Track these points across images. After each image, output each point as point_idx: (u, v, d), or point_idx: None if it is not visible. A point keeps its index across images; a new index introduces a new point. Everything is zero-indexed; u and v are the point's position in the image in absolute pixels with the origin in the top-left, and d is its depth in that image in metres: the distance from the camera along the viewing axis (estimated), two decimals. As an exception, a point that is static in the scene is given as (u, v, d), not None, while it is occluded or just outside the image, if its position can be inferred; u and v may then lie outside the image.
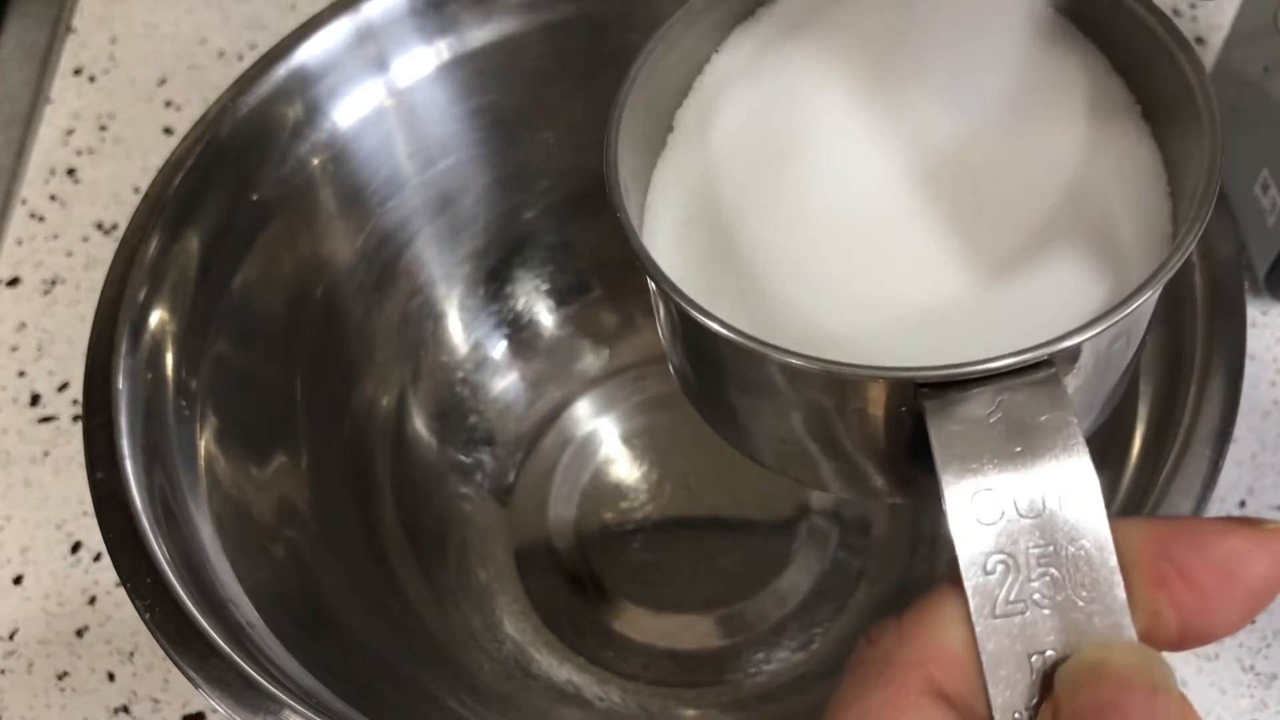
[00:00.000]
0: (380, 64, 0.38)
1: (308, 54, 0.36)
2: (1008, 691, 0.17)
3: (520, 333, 0.44)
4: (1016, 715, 0.17)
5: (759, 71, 0.24)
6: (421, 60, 0.38)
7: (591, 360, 0.44)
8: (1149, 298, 0.19)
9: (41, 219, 0.50)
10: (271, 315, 0.37)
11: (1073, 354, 0.19)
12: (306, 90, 0.37)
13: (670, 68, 0.25)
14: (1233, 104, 0.44)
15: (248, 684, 0.27)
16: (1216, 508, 0.39)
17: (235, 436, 0.35)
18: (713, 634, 0.40)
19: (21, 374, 0.46)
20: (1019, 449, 0.18)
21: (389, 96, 0.38)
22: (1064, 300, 0.20)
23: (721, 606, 0.40)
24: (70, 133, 0.52)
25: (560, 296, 0.44)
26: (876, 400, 0.20)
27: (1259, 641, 0.37)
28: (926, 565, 0.38)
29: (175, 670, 0.28)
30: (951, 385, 0.19)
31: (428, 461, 0.42)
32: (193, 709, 0.38)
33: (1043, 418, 0.18)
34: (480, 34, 0.39)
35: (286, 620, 0.32)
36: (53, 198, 0.50)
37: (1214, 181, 0.20)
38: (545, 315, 0.44)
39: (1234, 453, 0.40)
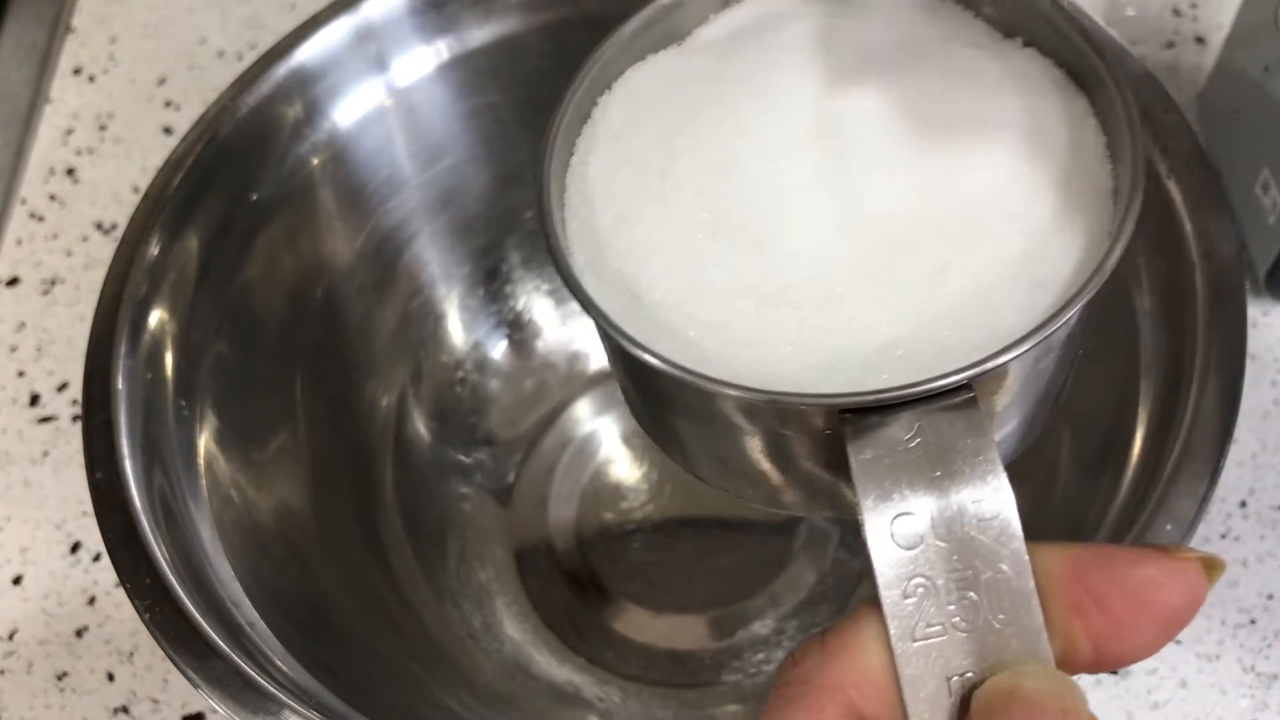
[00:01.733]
0: (380, 64, 0.38)
1: (307, 54, 0.36)
2: (927, 714, 0.17)
3: (520, 333, 0.44)
4: None
5: (669, 93, 0.24)
6: (421, 60, 0.38)
7: (591, 360, 0.44)
8: (1068, 319, 0.19)
9: (41, 219, 0.50)
10: (271, 315, 0.37)
11: (993, 377, 0.19)
12: (306, 90, 0.37)
13: (595, 90, 0.25)
14: (1233, 104, 0.44)
15: (247, 684, 0.27)
16: (1217, 508, 0.39)
17: (235, 436, 0.35)
18: (713, 634, 0.40)
19: (21, 374, 0.46)
20: (938, 473, 0.18)
21: (389, 96, 0.38)
22: (992, 322, 0.20)
23: (722, 607, 0.40)
24: (70, 132, 0.52)
25: (560, 296, 0.44)
26: (801, 426, 0.20)
27: (1260, 642, 0.37)
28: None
29: (175, 670, 0.28)
30: (871, 410, 0.19)
31: (428, 461, 0.42)
32: (192, 709, 0.38)
33: (961, 442, 0.18)
34: (480, 34, 0.39)
35: (286, 620, 0.32)
36: (52, 197, 0.50)
37: (1133, 206, 0.20)
38: (545, 315, 0.44)
39: (1234, 453, 0.40)
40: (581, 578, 0.41)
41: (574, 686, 0.39)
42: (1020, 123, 0.22)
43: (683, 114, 0.24)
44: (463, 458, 0.42)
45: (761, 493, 0.23)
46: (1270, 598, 0.38)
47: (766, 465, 0.22)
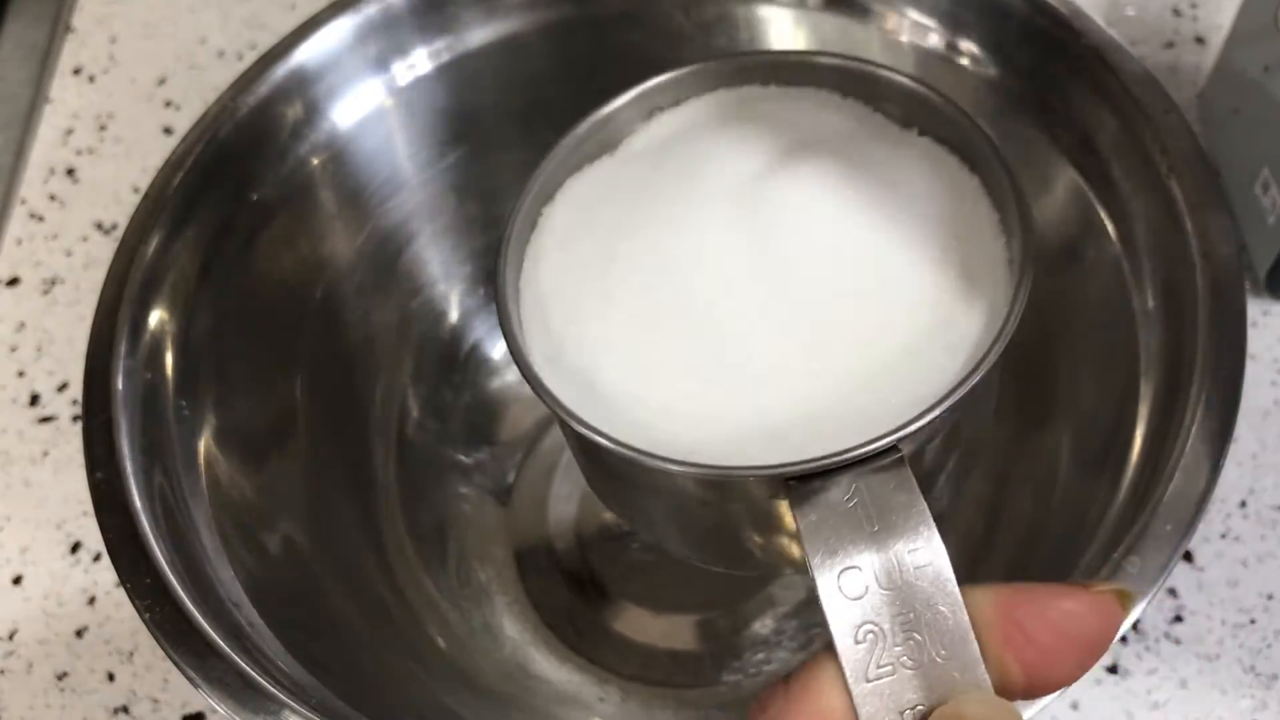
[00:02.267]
0: (380, 64, 0.38)
1: (307, 54, 0.36)
2: None
3: (520, 333, 0.44)
4: None
5: (606, 200, 0.27)
6: (422, 60, 0.38)
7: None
8: (977, 381, 0.22)
9: (41, 219, 0.50)
10: (272, 315, 0.37)
11: (917, 437, 0.21)
12: (306, 90, 0.37)
13: (540, 201, 0.27)
14: (1233, 104, 0.44)
15: (247, 684, 0.27)
16: (1217, 508, 0.39)
17: (235, 436, 0.35)
18: (712, 634, 0.40)
19: (21, 374, 0.46)
20: (876, 528, 0.20)
21: (389, 96, 0.38)
22: (910, 387, 0.22)
23: (721, 607, 0.40)
24: (70, 132, 0.52)
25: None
26: (750, 496, 0.23)
27: (1259, 642, 0.37)
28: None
29: (175, 670, 0.28)
30: (812, 476, 0.21)
31: (428, 461, 0.42)
32: (192, 709, 0.38)
33: (894, 499, 0.20)
34: (480, 34, 0.39)
35: (286, 620, 0.32)
36: (52, 197, 0.50)
37: (1025, 275, 0.23)
38: (545, 315, 0.44)
39: (1234, 453, 0.40)
40: (581, 578, 0.41)
41: (574, 686, 0.39)
42: (923, 205, 0.25)
43: (620, 219, 0.26)
44: (463, 458, 0.42)
45: (721, 558, 0.26)
46: (1270, 598, 0.38)
47: (723, 533, 0.25)
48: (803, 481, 0.21)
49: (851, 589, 0.20)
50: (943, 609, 0.20)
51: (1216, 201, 0.31)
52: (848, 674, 0.20)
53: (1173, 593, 0.38)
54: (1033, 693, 0.20)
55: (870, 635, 0.20)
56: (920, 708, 0.19)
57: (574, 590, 0.41)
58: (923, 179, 0.26)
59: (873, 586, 0.20)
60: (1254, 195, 0.42)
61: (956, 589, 0.20)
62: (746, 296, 0.24)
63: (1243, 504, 0.39)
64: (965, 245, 0.24)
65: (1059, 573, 0.29)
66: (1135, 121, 0.33)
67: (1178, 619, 0.38)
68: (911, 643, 0.20)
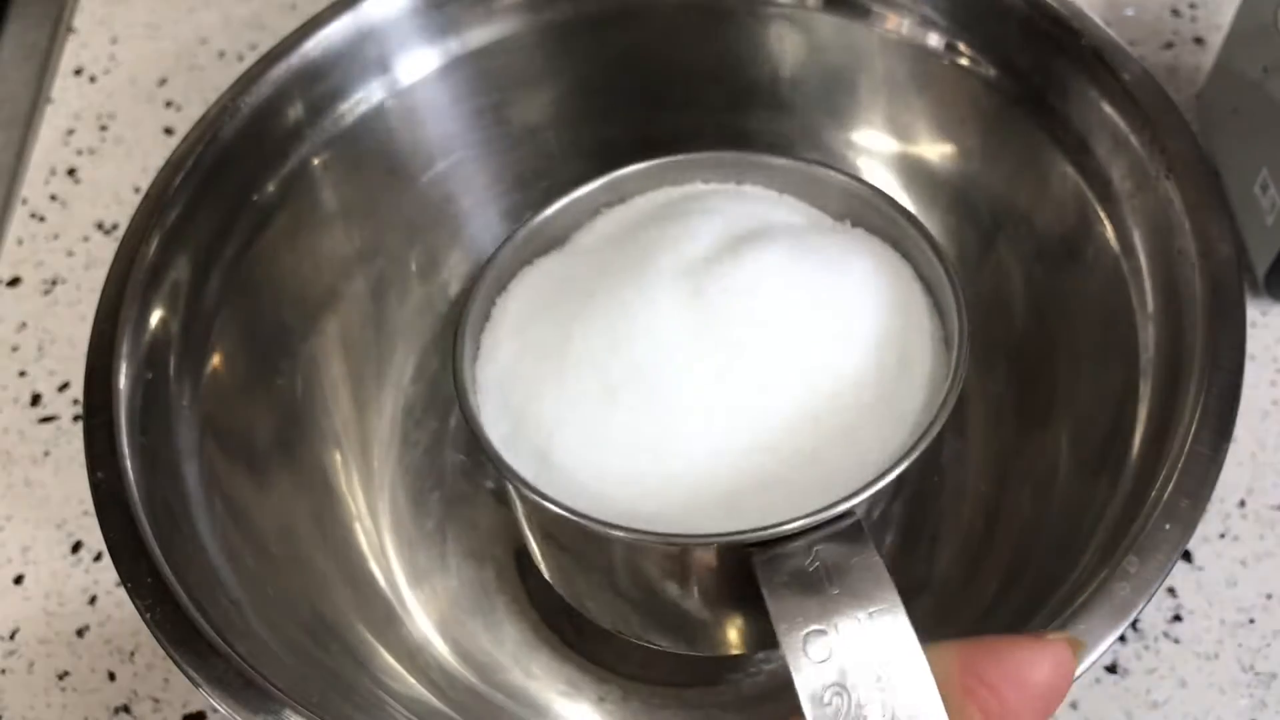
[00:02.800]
0: (381, 64, 0.38)
1: (308, 54, 0.36)
2: None
3: (520, 333, 0.44)
4: None
5: (558, 289, 0.28)
6: (422, 60, 0.39)
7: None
8: (922, 450, 0.23)
9: (42, 219, 0.50)
10: (272, 315, 0.37)
11: (872, 501, 0.22)
12: (307, 90, 0.37)
13: (494, 290, 0.29)
14: (1232, 104, 0.44)
15: (248, 683, 0.27)
16: (1216, 507, 0.39)
17: (236, 436, 0.35)
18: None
19: (22, 374, 0.46)
20: (836, 591, 0.21)
21: (389, 97, 0.38)
22: (861, 456, 0.23)
23: (721, 606, 0.40)
24: (71, 133, 0.52)
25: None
26: (711, 565, 0.23)
27: (1259, 641, 0.37)
28: (925, 566, 0.38)
29: (176, 670, 0.28)
30: (774, 543, 0.22)
31: (428, 461, 0.42)
32: (193, 708, 0.39)
33: (852, 560, 0.21)
34: (481, 34, 0.39)
35: (287, 620, 0.32)
36: (53, 198, 0.50)
37: (962, 350, 0.24)
38: (545, 315, 0.44)
39: (1234, 453, 0.40)
40: (581, 577, 0.41)
41: (574, 686, 0.39)
42: (862, 288, 0.26)
43: (573, 304, 0.27)
44: (463, 457, 0.42)
45: (683, 638, 0.27)
46: (1269, 597, 0.38)
47: (683, 611, 0.25)
48: (764, 548, 0.22)
49: (817, 653, 0.20)
50: (905, 666, 0.20)
51: (1215, 202, 0.31)
52: None
53: (1172, 592, 0.38)
54: None
55: (837, 698, 0.20)
56: None
57: (574, 590, 0.41)
58: (860, 264, 0.27)
59: (837, 648, 0.20)
60: (1253, 195, 0.42)
61: (918, 646, 0.20)
62: (698, 374, 0.25)
63: (1242, 504, 0.39)
64: (903, 325, 0.26)
65: (1058, 573, 0.29)
66: (1134, 122, 0.33)
67: (1177, 618, 0.38)
68: (877, 702, 0.20)
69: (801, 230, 0.28)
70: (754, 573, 0.22)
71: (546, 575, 0.29)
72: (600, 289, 0.27)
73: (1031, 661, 0.20)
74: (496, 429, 0.26)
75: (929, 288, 0.27)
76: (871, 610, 0.21)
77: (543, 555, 0.28)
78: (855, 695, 0.20)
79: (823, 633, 0.21)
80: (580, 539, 0.25)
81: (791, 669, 0.20)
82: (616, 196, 0.29)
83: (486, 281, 0.28)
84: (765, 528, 0.22)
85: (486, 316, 0.28)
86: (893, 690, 0.20)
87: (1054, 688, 0.20)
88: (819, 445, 0.24)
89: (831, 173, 0.28)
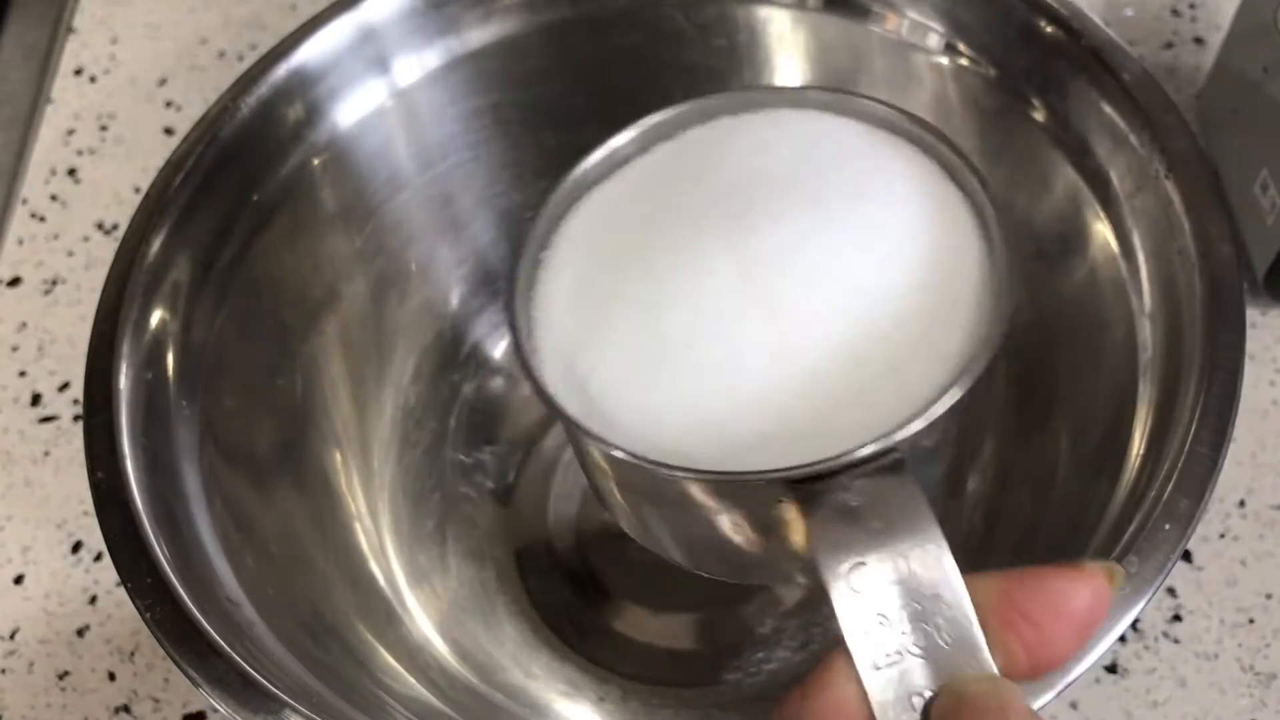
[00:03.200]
0: (381, 64, 0.38)
1: (308, 55, 0.36)
2: None
3: (520, 333, 0.44)
4: None
5: (603, 226, 0.28)
6: (422, 61, 0.38)
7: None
8: (970, 386, 0.23)
9: (42, 219, 0.50)
10: (272, 315, 0.37)
11: (914, 439, 0.23)
12: (307, 91, 0.37)
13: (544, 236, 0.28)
14: (1232, 104, 0.44)
15: (248, 683, 0.27)
16: (1216, 507, 0.39)
17: (236, 436, 0.35)
18: (712, 634, 0.40)
19: (22, 374, 0.46)
20: (879, 526, 0.21)
21: (389, 97, 0.38)
22: (907, 394, 0.24)
23: (721, 606, 0.40)
24: (71, 133, 0.52)
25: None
26: (760, 501, 0.24)
27: (1259, 641, 0.37)
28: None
29: (176, 670, 0.28)
30: (819, 479, 0.22)
31: (428, 461, 0.42)
32: (193, 708, 0.39)
33: (895, 496, 0.22)
34: (480, 34, 0.39)
35: (287, 620, 0.32)
36: (53, 198, 0.50)
37: (1012, 287, 0.24)
38: (545, 315, 0.44)
39: (1233, 452, 0.40)
40: (581, 577, 0.41)
41: (574, 686, 0.39)
42: (907, 219, 0.26)
43: (621, 250, 0.27)
44: (463, 457, 0.43)
45: (732, 568, 0.27)
46: (1269, 597, 0.38)
47: (729, 542, 0.26)
48: (809, 483, 0.22)
49: (859, 584, 0.21)
50: (946, 598, 0.21)
51: (1215, 202, 0.31)
52: (858, 663, 0.20)
53: (1171, 592, 0.38)
54: (1037, 671, 0.21)
55: (879, 627, 0.21)
56: (929, 692, 0.20)
57: (574, 590, 0.41)
58: (906, 189, 0.27)
59: (879, 581, 0.21)
60: (1253, 195, 0.42)
61: (959, 579, 0.21)
62: (743, 319, 0.25)
63: (1241, 504, 0.39)
64: (949, 258, 0.25)
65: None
66: (1134, 122, 0.33)
67: (1176, 618, 0.38)
68: (918, 632, 0.20)
69: (852, 153, 0.27)
70: (800, 508, 0.22)
71: (606, 513, 0.30)
72: (647, 233, 0.27)
73: (1069, 592, 0.21)
74: (550, 369, 0.26)
75: (978, 216, 0.26)
76: (913, 543, 0.21)
77: (603, 492, 0.28)
78: (897, 625, 0.21)
79: (864, 565, 0.21)
80: (633, 476, 0.25)
81: (833, 599, 0.21)
82: (665, 133, 0.29)
83: (542, 221, 0.28)
84: (811, 463, 0.22)
85: (538, 260, 0.28)
86: (934, 620, 0.21)
87: (1091, 617, 0.21)
88: (863, 386, 0.24)
89: (880, 106, 0.28)
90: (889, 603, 0.21)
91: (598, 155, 0.28)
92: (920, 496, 0.22)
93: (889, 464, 0.22)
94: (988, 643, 0.21)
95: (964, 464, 0.27)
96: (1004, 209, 0.26)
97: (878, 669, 0.20)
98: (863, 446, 0.22)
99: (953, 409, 0.23)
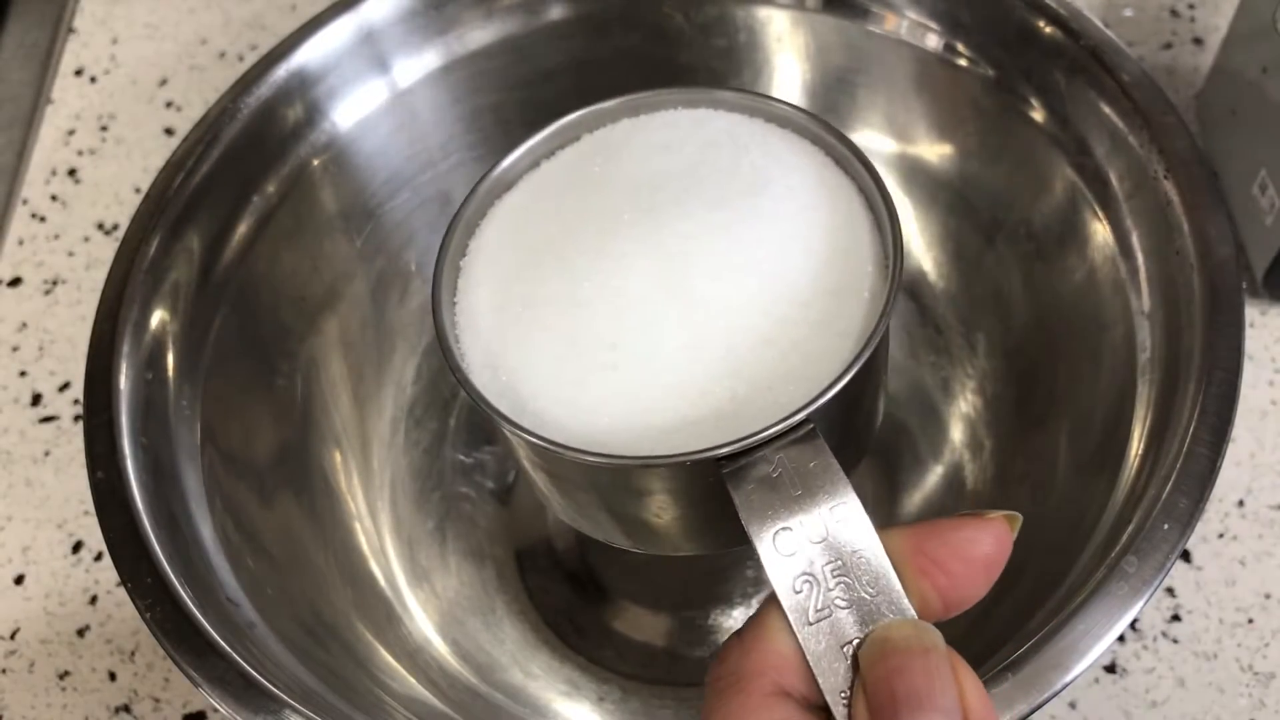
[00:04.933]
0: (381, 65, 0.38)
1: (308, 55, 0.36)
2: (833, 678, 0.22)
3: (520, 333, 0.44)
4: (843, 694, 0.22)
5: (522, 223, 0.30)
6: (422, 61, 0.39)
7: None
8: (867, 357, 0.25)
9: (43, 219, 0.50)
10: (272, 316, 0.37)
11: (824, 410, 0.24)
12: (307, 91, 0.37)
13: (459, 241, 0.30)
14: (1231, 105, 0.44)
15: (248, 683, 0.27)
16: (1215, 507, 0.39)
17: (236, 436, 0.35)
18: (713, 633, 0.40)
19: (23, 374, 0.46)
20: (798, 492, 0.23)
21: (389, 97, 0.38)
22: (812, 371, 0.26)
23: (721, 606, 0.40)
24: (71, 133, 0.52)
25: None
26: (690, 480, 0.26)
27: (1257, 641, 0.37)
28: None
29: (176, 669, 0.28)
30: (740, 455, 0.24)
31: (428, 461, 0.42)
32: (193, 708, 0.39)
33: (810, 464, 0.24)
34: (480, 35, 0.39)
35: (287, 620, 0.32)
36: (54, 198, 0.50)
37: (898, 267, 0.26)
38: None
39: (1233, 452, 0.40)
40: (581, 577, 0.41)
41: (574, 685, 0.39)
42: (807, 209, 0.28)
43: (535, 249, 0.29)
44: (463, 457, 0.43)
45: (671, 544, 0.29)
46: (1268, 597, 0.38)
47: (669, 518, 0.28)
48: (731, 461, 0.24)
49: (785, 547, 0.23)
50: (865, 553, 0.23)
51: (1214, 202, 0.31)
52: (791, 619, 0.22)
53: (1171, 592, 0.38)
54: (950, 612, 0.23)
55: (806, 584, 0.23)
56: (858, 640, 0.22)
57: (574, 590, 0.41)
58: (800, 180, 0.29)
59: (803, 543, 0.23)
60: (1252, 196, 0.42)
61: (874, 535, 0.23)
62: (660, 312, 0.27)
63: (1240, 503, 0.39)
64: (843, 241, 0.27)
65: (1057, 572, 0.29)
66: (1133, 122, 0.33)
67: (1176, 618, 0.38)
68: (842, 586, 0.23)
69: (748, 148, 0.29)
70: (725, 483, 0.24)
71: (549, 506, 0.31)
72: (560, 235, 0.29)
73: (974, 539, 0.23)
74: (479, 374, 0.28)
75: (869, 204, 0.28)
76: (831, 505, 0.23)
77: (540, 486, 0.30)
78: (823, 582, 0.23)
79: (789, 529, 0.23)
80: (568, 468, 0.27)
81: (764, 563, 0.23)
82: (570, 137, 0.31)
83: (457, 231, 0.29)
84: (732, 442, 0.24)
85: (459, 268, 0.30)
86: (855, 574, 0.23)
87: (995, 561, 0.23)
88: (775, 365, 0.26)
89: (773, 102, 0.30)
90: (814, 562, 0.23)
91: (504, 164, 0.30)
92: (833, 462, 0.23)
93: (803, 435, 0.24)
94: (904, 587, 0.23)
95: (873, 420, 0.29)
96: (886, 192, 0.27)
97: (809, 624, 0.22)
98: (777, 424, 0.24)
99: (855, 377, 0.25)
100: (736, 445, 0.24)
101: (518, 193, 0.30)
